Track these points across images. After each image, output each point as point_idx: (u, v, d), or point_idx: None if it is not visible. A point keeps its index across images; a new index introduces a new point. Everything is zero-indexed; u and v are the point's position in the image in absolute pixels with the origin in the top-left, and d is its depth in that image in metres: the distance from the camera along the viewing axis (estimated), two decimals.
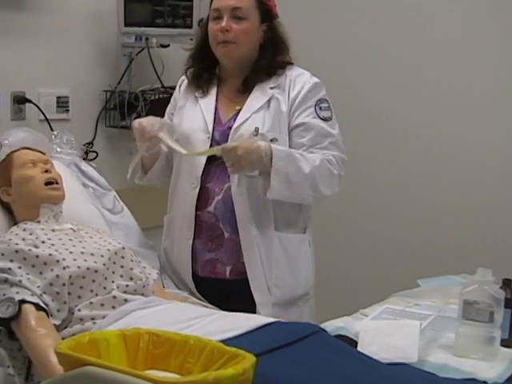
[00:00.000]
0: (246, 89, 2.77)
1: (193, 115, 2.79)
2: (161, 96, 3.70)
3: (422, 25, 3.84)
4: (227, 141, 2.69)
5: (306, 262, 2.85)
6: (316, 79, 2.78)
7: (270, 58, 2.77)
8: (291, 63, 2.81)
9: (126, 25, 3.58)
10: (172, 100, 2.97)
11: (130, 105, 3.66)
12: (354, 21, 4.03)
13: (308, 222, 2.88)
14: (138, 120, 2.74)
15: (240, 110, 2.75)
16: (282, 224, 2.76)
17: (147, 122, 2.71)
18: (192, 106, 2.83)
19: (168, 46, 3.71)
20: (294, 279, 2.79)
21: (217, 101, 2.80)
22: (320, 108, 2.73)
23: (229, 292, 2.72)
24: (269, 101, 2.73)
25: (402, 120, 3.95)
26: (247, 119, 2.71)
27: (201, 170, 2.72)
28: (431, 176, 3.88)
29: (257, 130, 2.65)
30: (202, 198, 2.73)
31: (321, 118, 2.71)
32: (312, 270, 2.88)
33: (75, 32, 3.58)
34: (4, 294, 2.19)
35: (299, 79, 2.76)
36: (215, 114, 2.77)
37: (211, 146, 2.71)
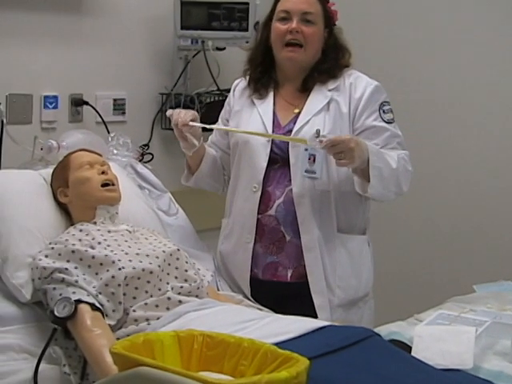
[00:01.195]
0: (306, 89, 2.78)
1: (251, 119, 2.80)
2: (216, 98, 3.72)
3: (483, 28, 3.81)
4: (287, 144, 2.70)
5: (367, 263, 2.86)
6: (376, 82, 2.79)
7: (333, 62, 2.79)
8: (347, 66, 2.83)
9: (182, 28, 3.60)
10: (226, 105, 2.98)
11: (185, 107, 3.66)
12: (402, 24, 4.02)
13: (367, 223, 2.88)
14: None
15: (299, 112, 2.76)
16: (344, 225, 2.76)
17: (178, 110, 2.76)
18: (249, 110, 2.84)
19: (224, 48, 3.73)
20: (357, 280, 2.80)
21: (274, 104, 2.81)
22: (384, 111, 2.74)
23: (288, 295, 2.72)
24: (328, 103, 2.74)
25: (458, 118, 3.90)
26: (307, 121, 2.71)
27: (262, 173, 2.72)
28: (487, 179, 3.83)
29: (318, 132, 2.62)
30: (263, 202, 2.73)
31: (385, 121, 2.73)
32: (372, 270, 2.88)
33: (132, 35, 3.61)
34: (60, 294, 2.22)
35: (359, 81, 2.78)
36: (273, 117, 2.78)
37: (271, 150, 2.73)
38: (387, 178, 2.62)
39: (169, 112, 2.78)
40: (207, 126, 2.78)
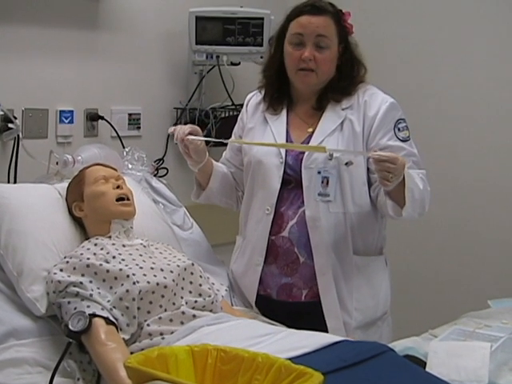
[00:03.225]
0: (320, 107, 2.74)
1: (264, 139, 2.75)
2: (231, 113, 3.73)
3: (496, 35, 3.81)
4: (300, 165, 2.66)
5: (384, 282, 2.81)
6: (391, 99, 2.72)
7: (348, 79, 2.73)
8: (362, 81, 2.77)
9: (197, 43, 3.62)
10: (239, 120, 2.95)
11: (200, 122, 3.68)
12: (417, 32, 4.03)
13: (384, 242, 2.84)
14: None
15: (312, 132, 2.71)
16: (360, 247, 2.72)
17: (179, 126, 2.71)
18: (262, 128, 2.80)
19: (238, 63, 3.74)
20: (374, 301, 2.76)
21: (287, 122, 2.77)
22: (398, 129, 2.67)
23: (301, 313, 2.69)
24: (342, 123, 2.69)
25: (476, 134, 3.89)
26: (320, 143, 2.64)
27: (276, 196, 2.69)
28: (503, 196, 3.82)
29: (331, 154, 2.61)
30: (276, 223, 2.70)
31: (400, 140, 2.66)
32: (389, 288, 2.84)
33: (147, 50, 3.63)
34: (75, 308, 2.23)
35: (374, 99, 2.72)
36: (287, 136, 2.74)
37: (284, 171, 2.69)
38: (417, 199, 2.55)
39: (170, 129, 2.74)
40: (206, 139, 2.74)
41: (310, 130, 2.73)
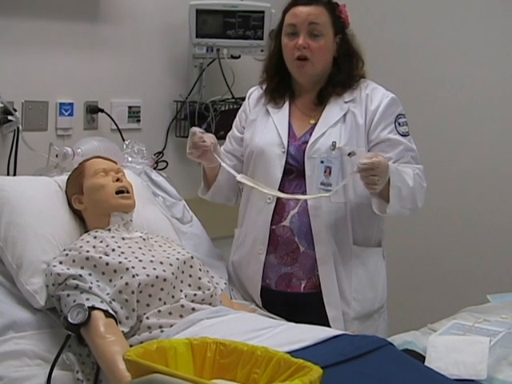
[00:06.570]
0: (321, 101, 2.76)
1: (266, 129, 2.78)
2: (231, 107, 3.72)
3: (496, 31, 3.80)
4: (303, 156, 2.68)
5: (382, 275, 2.84)
6: (392, 94, 2.76)
7: (347, 72, 2.76)
8: (363, 77, 2.80)
9: (197, 36, 3.61)
10: (241, 112, 2.96)
11: (200, 115, 3.68)
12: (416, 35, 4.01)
13: (382, 235, 2.86)
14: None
15: (315, 124, 2.73)
16: (360, 238, 2.74)
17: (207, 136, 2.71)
18: (264, 119, 2.82)
19: (239, 57, 3.73)
20: (373, 292, 2.78)
21: (289, 114, 2.79)
22: (399, 124, 2.71)
23: (300, 305, 2.71)
24: (345, 115, 2.72)
25: (475, 128, 3.88)
26: (323, 133, 2.69)
27: (277, 185, 2.70)
28: (501, 191, 3.81)
29: (334, 144, 2.64)
30: (277, 213, 2.72)
31: (400, 134, 2.70)
32: (386, 282, 2.86)
33: (147, 43, 3.62)
34: (74, 301, 2.23)
35: (376, 93, 2.75)
36: (289, 127, 2.76)
37: (286, 161, 2.70)
38: (405, 196, 2.59)
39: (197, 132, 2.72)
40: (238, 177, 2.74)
41: (313, 121, 2.76)
